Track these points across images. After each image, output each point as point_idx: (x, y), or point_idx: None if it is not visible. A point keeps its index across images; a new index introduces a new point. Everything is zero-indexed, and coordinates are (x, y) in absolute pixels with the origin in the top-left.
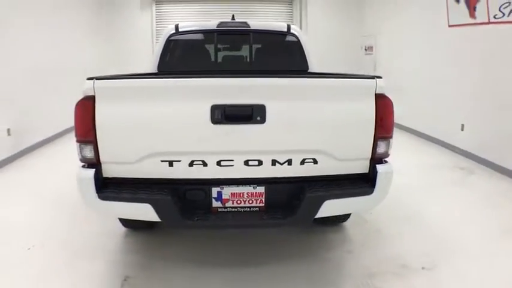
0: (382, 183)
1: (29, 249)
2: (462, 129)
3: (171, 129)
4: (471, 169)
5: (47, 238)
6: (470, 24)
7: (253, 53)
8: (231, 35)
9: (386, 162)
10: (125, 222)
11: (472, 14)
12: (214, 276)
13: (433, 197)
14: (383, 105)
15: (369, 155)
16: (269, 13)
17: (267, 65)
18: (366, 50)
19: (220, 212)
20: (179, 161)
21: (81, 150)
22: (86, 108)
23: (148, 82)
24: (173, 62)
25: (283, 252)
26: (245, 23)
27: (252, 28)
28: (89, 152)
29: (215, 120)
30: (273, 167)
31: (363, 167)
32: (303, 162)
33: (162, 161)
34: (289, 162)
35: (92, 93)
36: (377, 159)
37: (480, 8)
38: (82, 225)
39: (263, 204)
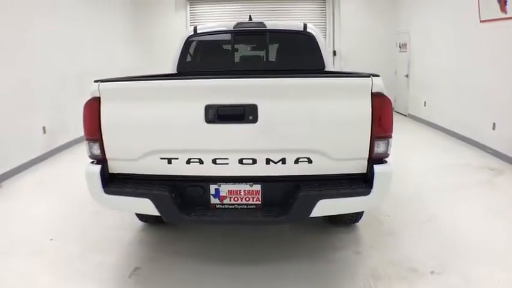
0: (380, 184)
1: (51, 239)
2: (494, 128)
3: (168, 128)
4: (501, 170)
5: (69, 230)
6: (501, 19)
7: (270, 52)
8: (248, 35)
9: (385, 162)
10: (141, 216)
11: (503, 8)
12: (217, 272)
13: (457, 198)
14: (380, 104)
15: (366, 155)
16: (302, 12)
17: (283, 64)
18: (400, 47)
19: (218, 208)
20: (177, 158)
21: (89, 147)
22: (93, 108)
23: (146, 84)
24: (191, 63)
25: (290, 250)
26: (262, 23)
27: (268, 28)
28: (96, 149)
29: (209, 120)
30: (268, 165)
31: (360, 167)
32: (297, 161)
33: (161, 158)
34: (283, 161)
35: (97, 95)
36: (375, 159)
37: (511, 2)
38: (102, 219)
39: (259, 202)
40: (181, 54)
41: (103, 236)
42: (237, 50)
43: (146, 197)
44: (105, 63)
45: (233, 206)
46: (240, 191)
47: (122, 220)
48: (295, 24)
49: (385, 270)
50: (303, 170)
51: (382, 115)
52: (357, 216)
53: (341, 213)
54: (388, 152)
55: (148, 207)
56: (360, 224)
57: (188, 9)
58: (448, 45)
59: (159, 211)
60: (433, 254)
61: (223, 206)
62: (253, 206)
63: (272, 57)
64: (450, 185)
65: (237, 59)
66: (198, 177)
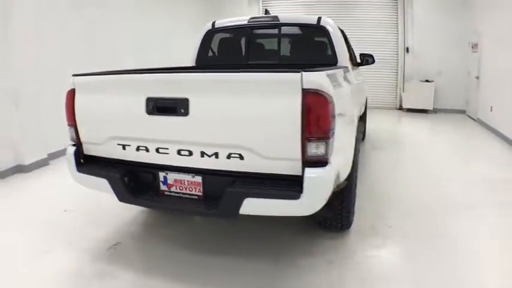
0: (311, 190)
1: (65, 211)
2: None
3: (120, 117)
4: None
5: (80, 204)
6: None
7: (283, 46)
8: (262, 29)
9: (324, 165)
10: None
11: None
12: (184, 260)
13: (480, 218)
14: (312, 102)
15: (299, 157)
16: (372, 7)
17: (296, 58)
18: (472, 47)
19: (166, 195)
20: (129, 145)
21: (69, 131)
22: (70, 98)
23: (102, 77)
24: (208, 57)
25: (262, 248)
26: (276, 17)
27: (280, 22)
28: (73, 133)
29: (149, 111)
30: (202, 158)
31: (295, 169)
32: (229, 156)
33: (118, 144)
34: (216, 155)
35: (73, 87)
36: (310, 161)
37: None
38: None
39: (201, 194)
40: (199, 48)
41: (105, 212)
42: (250, 45)
43: (104, 178)
44: (170, 57)
45: (179, 195)
46: (184, 180)
47: None
48: (309, 18)
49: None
50: (236, 166)
51: (314, 114)
52: (342, 222)
53: (271, 214)
54: (327, 156)
55: (106, 187)
56: (353, 231)
57: (261, 3)
58: None
59: (114, 191)
60: (414, 281)
61: (171, 194)
62: (195, 197)
63: (286, 51)
64: (481, 202)
65: (251, 53)
66: (149, 164)
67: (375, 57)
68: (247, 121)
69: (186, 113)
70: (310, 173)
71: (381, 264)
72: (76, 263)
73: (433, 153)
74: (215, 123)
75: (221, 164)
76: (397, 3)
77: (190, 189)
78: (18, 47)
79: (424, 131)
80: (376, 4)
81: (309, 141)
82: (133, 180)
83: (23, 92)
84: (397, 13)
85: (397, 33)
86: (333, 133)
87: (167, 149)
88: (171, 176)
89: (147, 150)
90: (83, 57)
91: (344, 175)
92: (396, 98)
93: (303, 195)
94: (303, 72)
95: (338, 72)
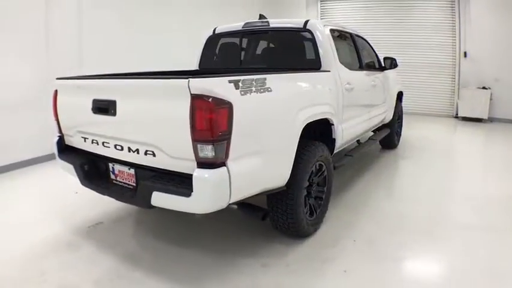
0: (199, 189)
1: (76, 193)
2: None
3: (80, 114)
4: None
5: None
6: None
7: (274, 50)
8: (254, 34)
9: (219, 167)
10: None
11: None
12: (146, 246)
13: (469, 245)
14: (198, 106)
15: (193, 157)
16: (429, 8)
17: (284, 62)
18: None
19: (114, 183)
20: (87, 138)
21: (55, 125)
22: (54, 97)
23: (66, 82)
24: (209, 61)
25: (218, 245)
26: (266, 22)
27: (270, 27)
28: (57, 126)
29: (93, 111)
30: (129, 153)
31: (192, 169)
32: (146, 153)
33: (81, 137)
34: (138, 151)
35: (56, 88)
36: (203, 163)
37: None
38: None
39: (135, 184)
40: (202, 53)
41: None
42: (243, 49)
43: (71, 164)
44: None
45: (121, 184)
46: (124, 172)
47: None
48: (296, 22)
49: None
50: (151, 162)
51: (201, 118)
52: (289, 228)
53: (174, 208)
54: (219, 159)
55: (73, 171)
56: (313, 239)
57: (319, 6)
58: None
59: (77, 176)
60: None
61: (117, 183)
62: (131, 187)
63: (276, 55)
64: (482, 227)
65: (244, 58)
66: (101, 155)
67: (430, 61)
68: (155, 123)
69: (114, 113)
70: (198, 173)
71: (313, 278)
72: (56, 232)
73: (465, 167)
74: (134, 123)
75: (142, 160)
76: (454, 5)
77: (128, 180)
78: (59, 42)
79: (466, 141)
80: (433, 6)
81: (199, 143)
82: (93, 168)
83: None
84: (454, 15)
85: (454, 37)
86: (229, 137)
87: (108, 143)
88: (116, 167)
89: (97, 143)
90: (126, 56)
91: (271, 182)
92: (453, 105)
93: (193, 194)
94: (190, 79)
95: (273, 78)
